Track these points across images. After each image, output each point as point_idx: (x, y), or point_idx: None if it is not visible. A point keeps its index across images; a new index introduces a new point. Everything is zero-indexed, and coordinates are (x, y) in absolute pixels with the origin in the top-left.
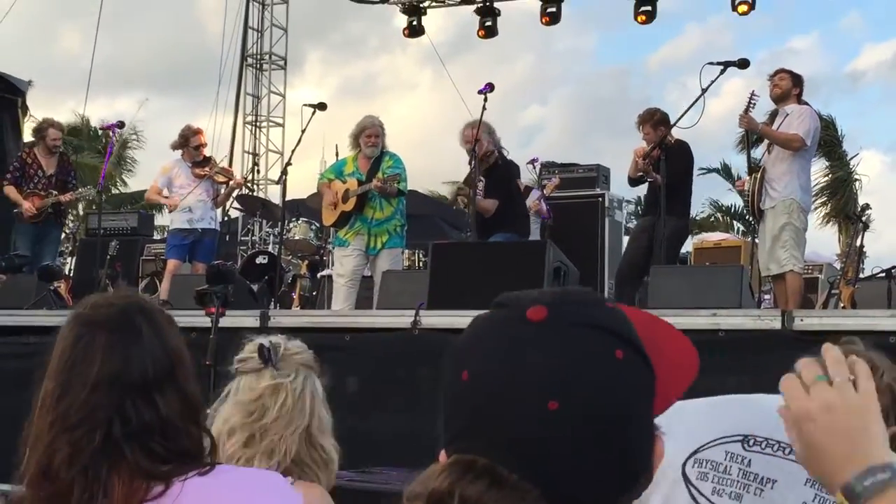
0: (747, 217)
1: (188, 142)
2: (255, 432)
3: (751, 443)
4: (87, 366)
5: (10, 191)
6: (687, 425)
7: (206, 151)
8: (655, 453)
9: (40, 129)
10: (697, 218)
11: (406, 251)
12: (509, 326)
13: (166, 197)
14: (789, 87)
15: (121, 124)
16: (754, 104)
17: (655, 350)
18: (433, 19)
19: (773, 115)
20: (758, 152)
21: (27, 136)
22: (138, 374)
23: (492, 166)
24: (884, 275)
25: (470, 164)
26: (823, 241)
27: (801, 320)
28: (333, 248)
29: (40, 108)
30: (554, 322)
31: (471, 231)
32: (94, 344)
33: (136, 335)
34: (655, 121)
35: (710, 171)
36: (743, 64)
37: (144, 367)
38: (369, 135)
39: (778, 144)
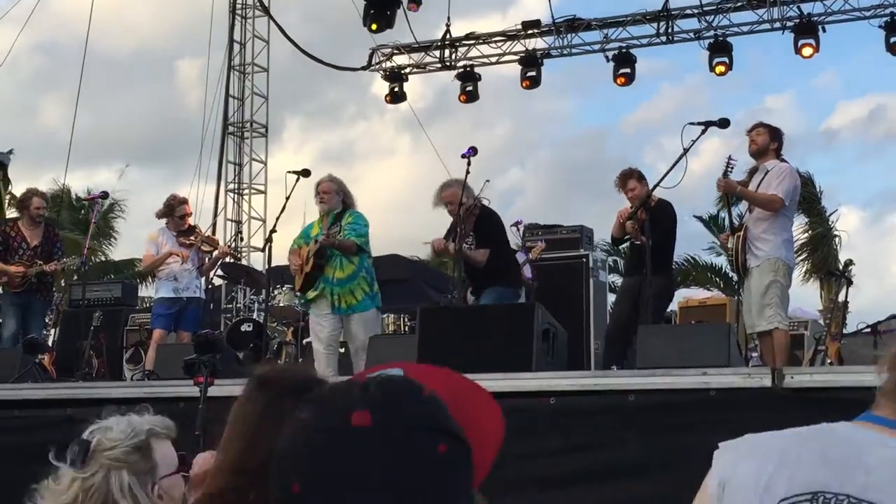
0: (726, 271)
1: (173, 211)
2: None
3: (820, 501)
4: (274, 426)
5: None
6: (762, 466)
7: (191, 220)
8: None
9: (24, 200)
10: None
11: (392, 316)
12: (336, 434)
13: (168, 254)
14: (766, 141)
15: (104, 195)
16: (732, 168)
17: (470, 422)
18: (412, 85)
19: (753, 171)
20: (739, 209)
21: (9, 210)
22: None
23: (477, 218)
24: (869, 330)
25: (455, 226)
26: (805, 297)
27: (792, 377)
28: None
29: (21, 181)
30: (378, 428)
31: (456, 291)
32: (282, 407)
33: None
34: (638, 175)
35: (700, 219)
36: (723, 123)
37: None
38: (321, 191)
39: (758, 206)
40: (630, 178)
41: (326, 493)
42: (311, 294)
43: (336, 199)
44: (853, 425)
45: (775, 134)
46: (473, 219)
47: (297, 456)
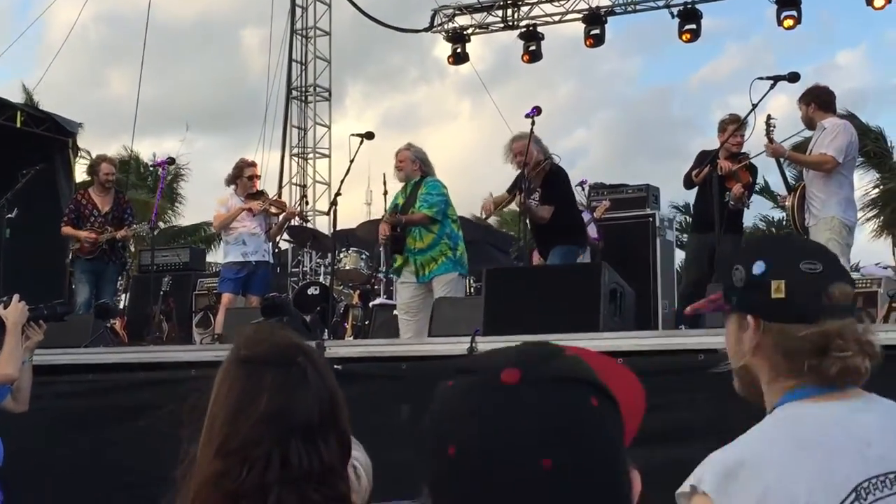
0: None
1: (242, 173)
2: None
3: (864, 493)
4: (254, 402)
5: (68, 230)
6: (782, 485)
7: (259, 184)
8: (634, 489)
9: (93, 166)
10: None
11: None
12: (487, 394)
13: (240, 209)
14: (805, 111)
15: (171, 160)
16: (773, 128)
17: (614, 388)
18: (474, 47)
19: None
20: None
21: (79, 176)
22: (304, 416)
23: (546, 174)
24: None
25: (520, 179)
26: (878, 253)
27: None
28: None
29: (91, 149)
30: (528, 383)
31: (516, 251)
32: (262, 381)
33: (301, 375)
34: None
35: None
36: (793, 78)
37: (310, 409)
38: (397, 160)
39: (810, 168)
40: (729, 124)
41: (482, 452)
42: (398, 261)
43: (412, 168)
44: (814, 405)
45: (811, 98)
46: (543, 175)
47: (448, 420)
